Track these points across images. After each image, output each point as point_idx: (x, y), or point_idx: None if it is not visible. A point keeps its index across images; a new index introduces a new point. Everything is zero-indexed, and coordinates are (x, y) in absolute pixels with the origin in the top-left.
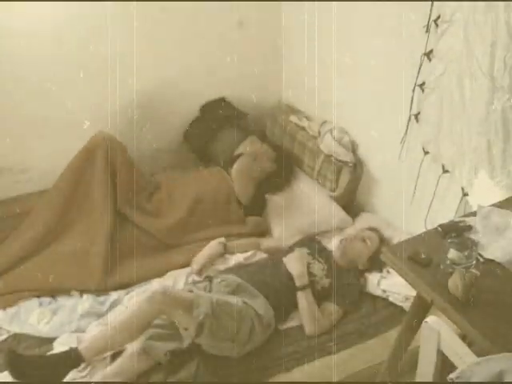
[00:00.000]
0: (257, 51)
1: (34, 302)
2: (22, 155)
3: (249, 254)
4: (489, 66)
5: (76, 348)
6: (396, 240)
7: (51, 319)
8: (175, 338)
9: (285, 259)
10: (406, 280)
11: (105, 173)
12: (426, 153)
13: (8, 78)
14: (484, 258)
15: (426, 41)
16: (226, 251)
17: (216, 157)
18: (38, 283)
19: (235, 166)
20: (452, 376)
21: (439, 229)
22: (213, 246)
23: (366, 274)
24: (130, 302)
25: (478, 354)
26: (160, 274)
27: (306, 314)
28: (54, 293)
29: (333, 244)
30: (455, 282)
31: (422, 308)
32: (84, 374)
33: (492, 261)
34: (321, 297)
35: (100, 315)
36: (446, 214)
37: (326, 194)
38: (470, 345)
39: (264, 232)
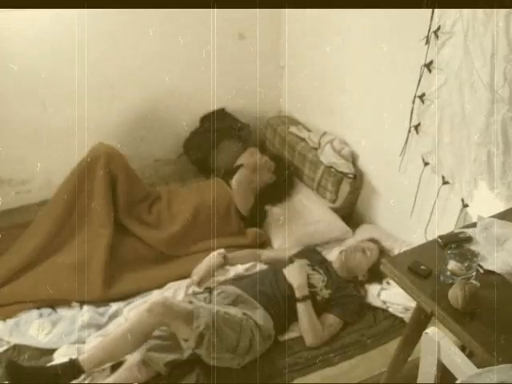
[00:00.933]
0: (256, 62)
1: (34, 313)
2: (22, 166)
3: (249, 265)
4: (489, 78)
5: (76, 359)
6: (396, 251)
7: (51, 330)
8: (175, 349)
9: (285, 270)
10: (406, 291)
11: (105, 184)
12: (426, 164)
13: (8, 88)
14: (484, 270)
15: (426, 52)
16: (225, 262)
17: (216, 168)
18: (38, 294)
19: (235, 177)
20: None
21: (439, 240)
22: (213, 257)
23: (366, 285)
24: (130, 313)
25: (478, 366)
26: (160, 285)
27: (306, 325)
28: (54, 304)
29: (333, 255)
30: (455, 294)
31: (422, 319)
32: None
33: (492, 272)
34: (321, 308)
35: (100, 326)
36: (446, 225)
37: (326, 205)
38: (470, 356)
39: (264, 243)
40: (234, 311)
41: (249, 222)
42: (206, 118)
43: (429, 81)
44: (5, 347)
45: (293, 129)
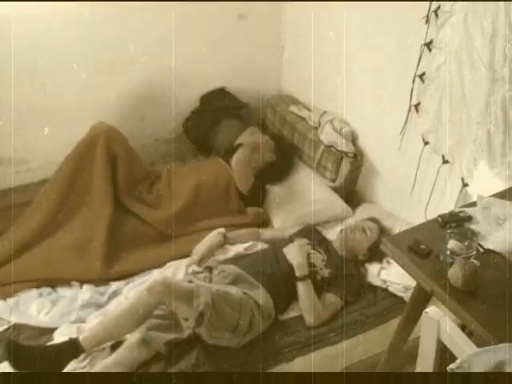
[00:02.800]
0: (257, 42)
1: (34, 292)
2: (22, 146)
3: (249, 244)
4: (489, 57)
5: (76, 338)
6: (396, 230)
7: (51, 310)
8: (175, 328)
9: (285, 249)
10: (406, 270)
11: (105, 163)
12: (426, 143)
13: (7, 69)
14: (484, 249)
15: (426, 31)
16: (226, 242)
17: (216, 147)
18: (38, 274)
19: (235, 156)
20: (452, 366)
21: (439, 219)
22: (213, 237)
23: (366, 265)
24: (130, 292)
25: (478, 345)
26: (160, 264)
27: (306, 304)
28: (53, 283)
29: (333, 234)
30: (455, 273)
31: (422, 298)
32: (84, 364)
33: (492, 251)
34: (321, 287)
35: (100, 306)
36: (446, 204)
37: (326, 185)
38: (469, 335)
39: (264, 222)
40: (234, 290)
41: (249, 201)
42: (206, 97)
43: (429, 60)
44: (5, 326)
45: (293, 108)
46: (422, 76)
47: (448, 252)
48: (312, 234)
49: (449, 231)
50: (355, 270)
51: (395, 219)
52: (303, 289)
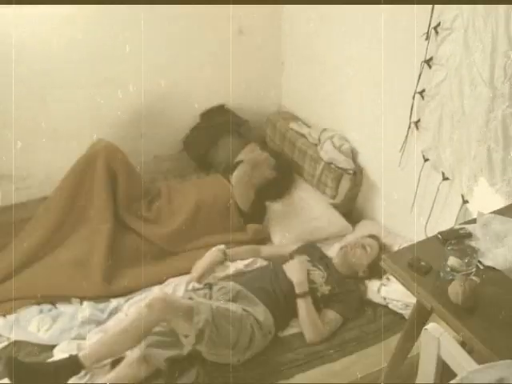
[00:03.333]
0: (256, 58)
1: (34, 309)
2: (22, 162)
3: (249, 261)
4: (489, 74)
5: (76, 355)
6: (396, 247)
7: (51, 326)
8: (175, 345)
9: (285, 266)
10: (406, 287)
11: (105, 180)
12: (426, 160)
13: (8, 84)
14: (484, 266)
15: (425, 48)
16: (225, 258)
17: (216, 164)
18: (38, 290)
19: (235, 173)
20: (452, 383)
21: (439, 236)
22: (213, 254)
23: (366, 282)
24: (130, 309)
25: (478, 361)
26: (160, 281)
27: (306, 321)
28: (54, 300)
29: (333, 251)
30: (455, 290)
31: (422, 315)
32: (84, 381)
33: (492, 268)
34: (321, 304)
35: (100, 322)
36: (446, 221)
37: (326, 202)
38: (469, 352)
39: (264, 239)
40: (234, 307)
41: (249, 217)
42: (206, 114)
43: (429, 77)
44: (5, 343)
45: (293, 125)
46: (421, 93)
47: (448, 269)
48: (312, 250)
49: (449, 248)
50: (355, 287)
51: (395, 236)
52: (303, 306)
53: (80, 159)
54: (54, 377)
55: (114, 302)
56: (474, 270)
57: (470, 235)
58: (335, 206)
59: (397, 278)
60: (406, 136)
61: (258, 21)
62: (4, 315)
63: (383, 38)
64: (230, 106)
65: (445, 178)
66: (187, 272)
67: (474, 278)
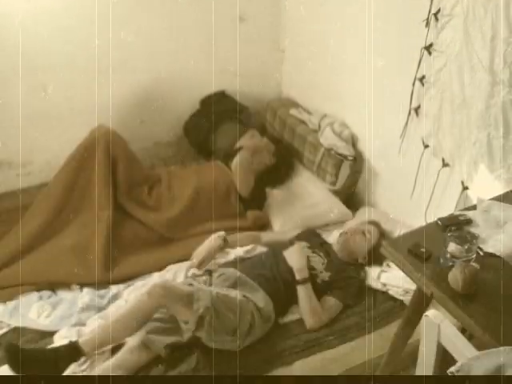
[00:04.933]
0: (257, 45)
1: (34, 295)
2: (22, 149)
3: (249, 247)
4: (489, 60)
5: (76, 341)
6: (396, 233)
7: (51, 313)
8: (175, 331)
9: (285, 253)
10: (406, 274)
11: (105, 166)
12: (426, 146)
13: (7, 71)
14: (484, 252)
15: (425, 34)
16: (226, 245)
17: (216, 150)
18: (38, 277)
19: (235, 159)
20: (452, 369)
21: (439, 222)
22: (213, 240)
23: (366, 268)
24: (130, 295)
25: (478, 348)
26: (160, 267)
27: (306, 307)
28: (54, 286)
29: (333, 237)
30: (455, 276)
31: (422, 302)
32: (84, 367)
33: (492, 254)
34: (321, 290)
35: (100, 309)
36: (446, 207)
37: (326, 188)
38: (469, 338)
39: (264, 226)
40: (234, 294)
41: (249, 204)
42: (206, 101)
43: (429, 63)
44: (5, 330)
45: (293, 111)
46: (421, 79)
47: (448, 255)
48: (312, 237)
49: (449, 234)
50: (355, 274)
51: (395, 222)
52: (303, 292)
53: (80, 145)
54: (54, 363)
55: (114, 289)
56: (474, 256)
57: (470, 221)
58: (335, 193)
59: (397, 265)
60: (406, 122)
61: (258, 8)
62: (4, 302)
63: (384, 24)
64: (229, 92)
65: (445, 165)
66: (187, 258)
67: (474, 264)
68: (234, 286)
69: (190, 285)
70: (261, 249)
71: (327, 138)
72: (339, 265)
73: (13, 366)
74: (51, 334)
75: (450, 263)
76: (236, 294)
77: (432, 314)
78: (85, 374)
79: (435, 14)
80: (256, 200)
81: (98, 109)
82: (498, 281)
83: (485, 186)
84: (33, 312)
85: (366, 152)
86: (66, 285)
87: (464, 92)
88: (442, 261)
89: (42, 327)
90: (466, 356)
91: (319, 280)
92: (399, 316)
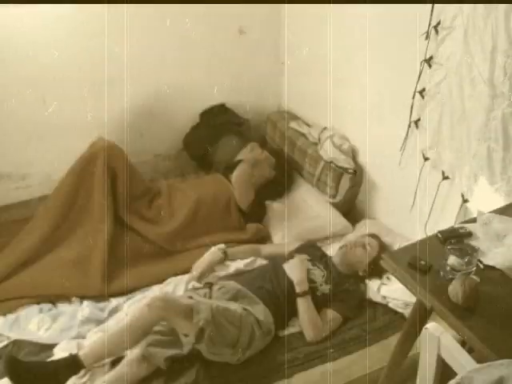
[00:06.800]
0: (257, 58)
1: (34, 308)
2: (22, 161)
3: (249, 260)
4: (489, 73)
5: (76, 354)
6: (396, 246)
7: (51, 326)
8: (175, 344)
9: (285, 265)
10: (406, 286)
11: (104, 179)
12: (426, 159)
13: (8, 83)
14: (484, 265)
15: (426, 47)
16: (226, 258)
17: (216, 163)
18: (38, 290)
19: (235, 172)
20: (452, 382)
21: (439, 235)
22: (213, 253)
23: (366, 281)
24: (130, 308)
25: (478, 361)
26: (160, 280)
27: (306, 320)
28: (54, 299)
29: (333, 250)
30: (455, 289)
31: (422, 314)
32: (84, 380)
33: (492, 267)
34: (321, 303)
35: (100, 322)
36: (446, 220)
37: (326, 201)
38: (470, 351)
39: (264, 238)
40: (234, 306)
41: (249, 217)
42: (206, 114)
43: (429, 76)
44: (5, 342)
45: (293, 124)
46: (421, 92)
47: (448, 268)
48: (312, 250)
49: (449, 247)
50: (355, 286)
51: (395, 235)
52: (303, 305)
53: (80, 158)
54: (54, 376)
55: (113, 302)
56: (474, 269)
57: (470, 234)
58: (335, 205)
59: (397, 277)
60: (406, 135)
61: (258, 20)
62: (4, 314)
63: (383, 38)
64: (230, 105)
65: (445, 177)
66: (187, 271)
67: (474, 277)
68: (234, 298)
69: (190, 297)
70: (261, 261)
71: (327, 151)
72: (339, 277)
73: (13, 379)
74: (51, 346)
75: (450, 276)
76: (236, 306)
77: (432, 326)
78: None
79: (435, 27)
80: (256, 213)
81: (99, 122)
82: (498, 294)
83: (485, 199)
84: (33, 325)
85: (366, 165)
86: (66, 298)
87: (464, 104)
88: (442, 273)
89: (42, 340)
90: (466, 369)
91: (319, 293)
92: (399, 329)
